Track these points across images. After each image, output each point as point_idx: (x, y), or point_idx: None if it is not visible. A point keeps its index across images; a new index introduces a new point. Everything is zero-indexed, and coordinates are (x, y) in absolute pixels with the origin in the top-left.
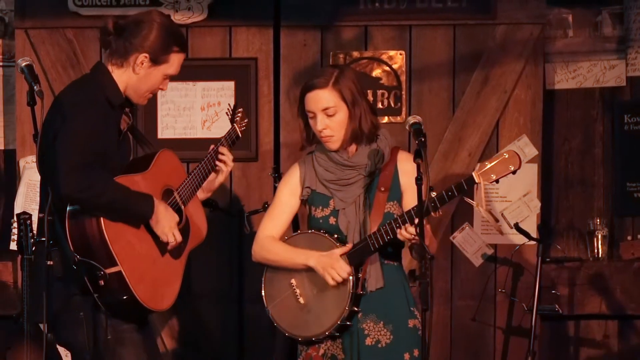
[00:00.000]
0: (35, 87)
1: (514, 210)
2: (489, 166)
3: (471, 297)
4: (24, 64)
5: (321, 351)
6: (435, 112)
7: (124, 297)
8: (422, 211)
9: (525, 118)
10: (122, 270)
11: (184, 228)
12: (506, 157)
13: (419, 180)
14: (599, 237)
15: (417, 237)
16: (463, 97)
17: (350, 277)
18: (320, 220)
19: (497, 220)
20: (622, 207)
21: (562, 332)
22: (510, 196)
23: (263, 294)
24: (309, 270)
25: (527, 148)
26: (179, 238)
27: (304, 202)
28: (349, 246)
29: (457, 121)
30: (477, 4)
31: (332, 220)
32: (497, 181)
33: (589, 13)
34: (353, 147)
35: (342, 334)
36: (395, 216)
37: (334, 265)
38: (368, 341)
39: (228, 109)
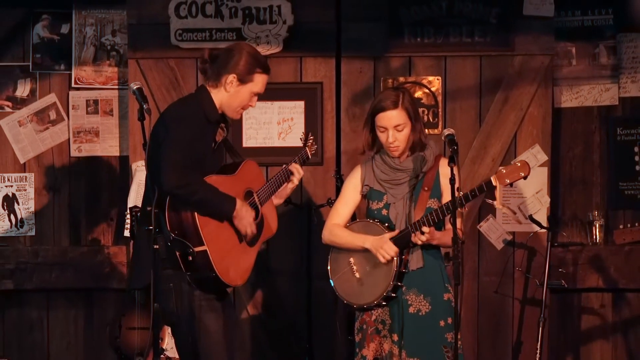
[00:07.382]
0: (144, 106)
1: (528, 205)
2: (504, 172)
3: (494, 274)
4: (135, 87)
5: (373, 317)
6: (465, 126)
7: (211, 275)
8: (454, 205)
9: (537, 130)
10: (208, 250)
11: (259, 223)
12: (518, 165)
13: (452, 181)
14: (597, 226)
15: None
16: (487, 114)
17: (395, 258)
18: (375, 212)
19: (514, 213)
20: (616, 202)
21: (567, 302)
22: (526, 193)
23: (329, 269)
24: (365, 251)
25: (539, 155)
26: (255, 231)
27: (363, 196)
28: (396, 232)
29: (483, 133)
30: (499, 39)
31: (384, 212)
32: (510, 185)
33: (589, 46)
34: (405, 155)
35: (389, 303)
36: (431, 210)
37: (384, 246)
38: (411, 310)
39: (302, 135)
